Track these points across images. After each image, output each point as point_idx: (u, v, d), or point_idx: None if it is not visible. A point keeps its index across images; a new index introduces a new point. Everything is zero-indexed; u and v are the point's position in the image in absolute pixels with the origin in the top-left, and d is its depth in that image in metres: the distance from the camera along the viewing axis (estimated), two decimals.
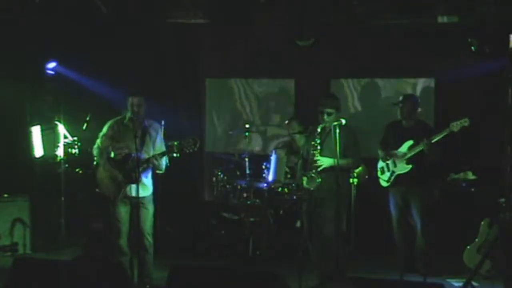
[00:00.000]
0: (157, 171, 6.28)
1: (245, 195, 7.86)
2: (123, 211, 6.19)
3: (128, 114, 6.21)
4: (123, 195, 6.12)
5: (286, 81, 8.93)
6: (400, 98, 7.07)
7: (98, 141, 6.33)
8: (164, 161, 6.21)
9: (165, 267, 4.85)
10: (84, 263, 4.61)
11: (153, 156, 6.06)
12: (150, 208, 6.23)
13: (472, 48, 7.19)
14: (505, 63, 6.62)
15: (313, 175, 6.04)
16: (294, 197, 7.61)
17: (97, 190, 6.41)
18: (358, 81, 8.70)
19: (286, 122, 8.21)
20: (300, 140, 7.52)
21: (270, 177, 7.76)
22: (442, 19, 7.58)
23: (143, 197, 6.12)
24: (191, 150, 5.98)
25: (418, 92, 8.31)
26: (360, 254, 7.38)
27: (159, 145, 6.24)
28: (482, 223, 6.74)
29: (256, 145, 8.83)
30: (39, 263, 4.90)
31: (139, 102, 6.14)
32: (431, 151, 6.55)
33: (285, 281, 4.44)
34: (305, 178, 6.11)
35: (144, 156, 6.07)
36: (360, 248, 7.43)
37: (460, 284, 6.29)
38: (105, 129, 6.32)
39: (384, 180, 6.96)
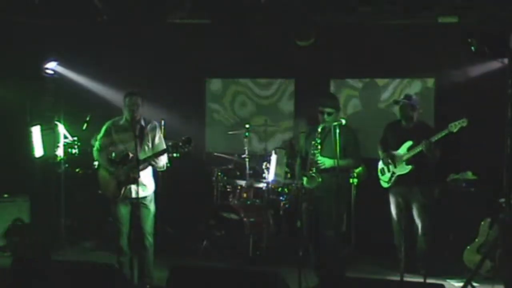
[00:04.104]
0: (157, 169, 6.28)
1: (245, 195, 7.86)
2: (124, 211, 6.19)
3: (126, 115, 6.22)
4: (123, 196, 6.12)
5: (286, 81, 8.93)
6: (401, 97, 7.07)
7: (97, 143, 6.35)
8: (164, 160, 6.21)
9: (165, 267, 4.85)
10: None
11: (151, 156, 6.06)
12: (151, 208, 6.24)
13: (472, 48, 7.18)
14: (505, 63, 6.62)
15: (313, 174, 6.04)
16: (294, 197, 7.61)
17: (99, 191, 6.42)
18: (358, 81, 8.71)
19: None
20: (301, 139, 7.52)
21: (270, 177, 7.76)
22: (442, 19, 7.58)
23: (144, 197, 6.13)
24: (186, 149, 5.97)
25: (418, 92, 8.31)
26: (360, 254, 7.39)
27: (158, 144, 6.24)
28: (482, 223, 6.74)
29: (256, 145, 8.83)
30: (39, 263, 4.90)
31: (135, 101, 6.13)
32: (431, 151, 6.56)
33: (285, 281, 4.44)
34: (305, 178, 6.11)
35: (143, 156, 6.07)
36: (360, 248, 7.43)
37: (460, 284, 6.29)
38: (103, 130, 6.33)
39: (384, 181, 6.97)
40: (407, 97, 7.06)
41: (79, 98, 8.69)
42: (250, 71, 8.95)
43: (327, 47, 8.26)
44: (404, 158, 6.73)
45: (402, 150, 6.80)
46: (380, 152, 7.03)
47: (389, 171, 6.90)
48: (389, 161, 6.84)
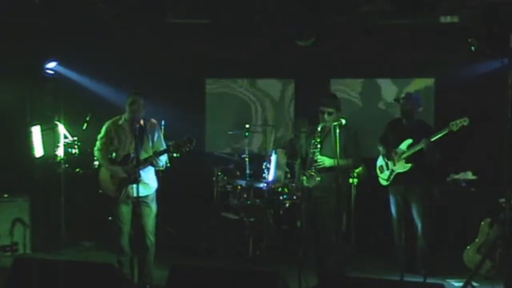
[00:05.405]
0: (157, 169, 6.29)
1: (245, 195, 7.86)
2: (125, 211, 6.20)
3: (125, 114, 6.22)
4: (125, 195, 6.12)
5: (286, 81, 8.94)
6: (403, 95, 7.08)
7: (98, 143, 6.35)
8: (163, 159, 6.22)
9: (165, 267, 4.85)
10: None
11: (152, 156, 6.07)
12: (153, 207, 6.24)
13: (472, 48, 7.19)
14: (505, 63, 6.62)
15: (312, 173, 6.04)
16: (294, 197, 7.62)
17: (100, 191, 6.43)
18: (358, 81, 8.71)
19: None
20: (302, 139, 7.51)
21: (270, 177, 7.76)
22: (445, 19, 7.58)
23: (146, 196, 6.13)
24: (187, 149, 5.98)
25: (418, 92, 8.31)
26: (360, 254, 7.39)
27: (158, 143, 6.24)
28: (482, 223, 6.74)
29: (256, 145, 8.83)
30: (39, 263, 4.90)
31: (138, 102, 6.14)
32: (430, 150, 6.55)
33: (285, 281, 4.44)
34: (304, 177, 6.11)
35: (143, 155, 6.07)
36: (360, 248, 7.43)
37: (460, 284, 6.29)
38: (103, 131, 6.33)
39: (383, 178, 6.96)
40: (410, 95, 7.07)
41: (79, 98, 8.69)
42: (250, 71, 8.96)
43: (327, 47, 8.27)
44: (404, 156, 6.73)
45: (402, 147, 6.80)
46: (380, 148, 7.02)
47: (388, 169, 6.89)
48: (390, 157, 6.83)
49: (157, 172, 6.37)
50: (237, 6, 7.87)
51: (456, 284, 6.54)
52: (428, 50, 8.10)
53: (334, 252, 6.00)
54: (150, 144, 6.20)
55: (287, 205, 7.77)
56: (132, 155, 6.05)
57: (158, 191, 6.37)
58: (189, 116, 8.77)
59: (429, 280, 6.17)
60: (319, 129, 6.13)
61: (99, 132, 6.39)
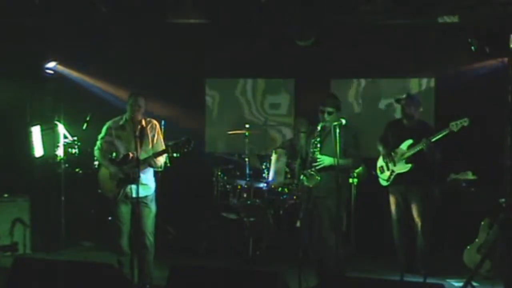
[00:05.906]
0: (156, 169, 6.29)
1: (245, 195, 7.85)
2: (124, 211, 6.20)
3: (126, 114, 6.23)
4: (123, 195, 6.13)
5: (286, 81, 8.94)
6: (404, 95, 7.08)
7: (98, 143, 6.36)
8: (162, 160, 6.22)
9: (165, 267, 4.85)
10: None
11: (150, 157, 6.07)
12: (152, 207, 6.24)
13: (472, 48, 7.19)
14: (505, 63, 6.63)
15: (312, 172, 6.04)
16: (294, 197, 7.61)
17: (99, 191, 6.43)
18: (358, 81, 8.71)
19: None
20: (302, 139, 7.51)
21: (270, 177, 7.76)
22: (443, 19, 7.58)
23: (145, 196, 6.13)
24: (185, 150, 5.98)
25: (418, 92, 8.31)
26: (360, 254, 7.39)
27: (158, 143, 6.25)
28: (482, 223, 6.74)
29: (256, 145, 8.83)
30: (39, 263, 4.91)
31: (138, 102, 6.16)
32: (431, 151, 6.55)
33: (285, 281, 4.44)
34: (304, 177, 6.11)
35: (143, 155, 6.07)
36: (360, 248, 7.43)
37: (460, 284, 6.29)
38: (103, 131, 6.34)
39: (383, 179, 6.96)
40: (411, 96, 7.07)
41: (79, 98, 8.69)
42: (250, 71, 8.96)
43: (327, 47, 8.27)
44: (404, 156, 6.73)
45: (403, 147, 6.79)
46: (380, 148, 7.02)
47: (388, 169, 6.89)
48: (390, 158, 6.83)
49: (156, 173, 6.37)
50: (237, 6, 7.87)
51: (456, 284, 6.54)
52: (428, 50, 8.10)
53: (334, 252, 6.00)
54: (150, 145, 6.20)
55: (287, 205, 7.76)
56: (131, 155, 6.05)
57: (157, 191, 6.37)
58: (189, 116, 8.78)
59: (429, 280, 6.17)
60: (319, 128, 6.14)
61: (99, 132, 6.40)
